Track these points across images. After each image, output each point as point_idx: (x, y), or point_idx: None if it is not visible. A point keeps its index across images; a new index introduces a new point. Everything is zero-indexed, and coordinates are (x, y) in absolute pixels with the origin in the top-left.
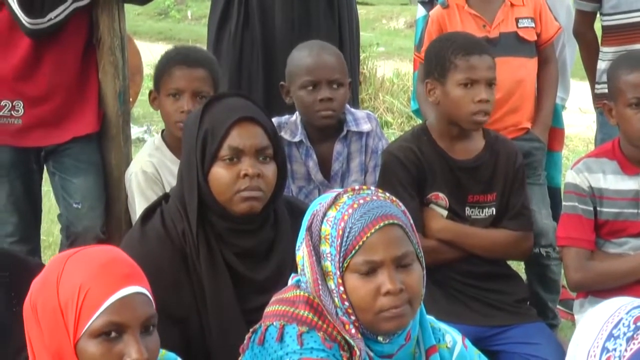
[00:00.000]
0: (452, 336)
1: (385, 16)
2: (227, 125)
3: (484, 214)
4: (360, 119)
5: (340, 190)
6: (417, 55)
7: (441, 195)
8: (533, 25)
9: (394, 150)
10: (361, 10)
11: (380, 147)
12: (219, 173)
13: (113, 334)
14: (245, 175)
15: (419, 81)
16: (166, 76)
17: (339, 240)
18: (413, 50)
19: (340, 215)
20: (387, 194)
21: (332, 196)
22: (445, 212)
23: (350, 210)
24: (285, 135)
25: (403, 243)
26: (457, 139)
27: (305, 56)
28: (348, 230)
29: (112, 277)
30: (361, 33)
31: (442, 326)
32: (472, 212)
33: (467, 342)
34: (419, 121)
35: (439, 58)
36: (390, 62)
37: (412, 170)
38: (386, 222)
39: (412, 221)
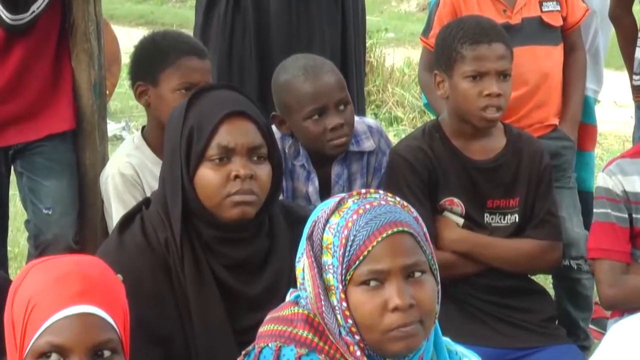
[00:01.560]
0: None
1: None
2: (216, 122)
3: (505, 222)
4: (362, 135)
5: (344, 194)
6: (424, 40)
7: (456, 200)
8: (558, 8)
9: (402, 150)
10: None
11: (385, 162)
12: (207, 175)
13: (54, 357)
14: (236, 177)
15: (423, 70)
16: (171, 68)
17: (342, 249)
18: None
19: (343, 222)
20: (398, 199)
21: (335, 201)
22: (461, 220)
23: (354, 217)
24: (289, 152)
25: (413, 252)
26: (473, 137)
27: (302, 82)
28: (352, 238)
29: (62, 293)
30: (367, 17)
31: (459, 349)
32: (492, 219)
33: None
34: (433, 116)
35: (445, 48)
36: (400, 50)
37: (422, 173)
38: (395, 229)
39: (425, 229)
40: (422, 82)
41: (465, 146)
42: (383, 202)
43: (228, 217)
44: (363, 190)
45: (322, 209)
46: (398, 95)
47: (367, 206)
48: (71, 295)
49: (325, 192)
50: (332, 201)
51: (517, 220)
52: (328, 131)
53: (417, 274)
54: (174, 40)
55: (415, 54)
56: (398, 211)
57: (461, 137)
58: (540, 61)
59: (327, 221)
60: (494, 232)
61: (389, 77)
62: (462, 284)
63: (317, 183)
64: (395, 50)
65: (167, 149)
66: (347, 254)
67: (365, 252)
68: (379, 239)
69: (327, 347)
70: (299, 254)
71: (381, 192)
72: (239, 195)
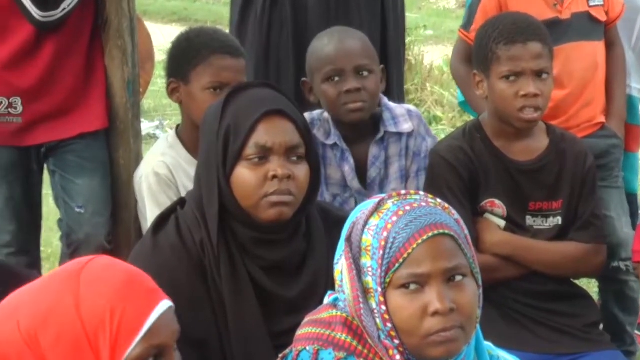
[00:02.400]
0: None
1: None
2: (253, 120)
3: (548, 224)
4: (400, 117)
5: (383, 195)
6: (464, 34)
7: (497, 202)
8: (602, 2)
9: (442, 151)
10: None
11: (425, 147)
12: (244, 175)
13: (152, 359)
14: (274, 177)
15: (459, 62)
16: (202, 66)
17: (381, 252)
18: None
19: (383, 223)
20: (438, 200)
21: (374, 202)
22: (502, 223)
23: (394, 218)
24: (318, 134)
25: (454, 255)
26: (515, 137)
27: (325, 44)
28: (391, 240)
29: (142, 294)
30: (406, 14)
31: (501, 354)
32: (534, 221)
33: None
34: (471, 116)
35: (481, 48)
36: (439, 48)
37: (463, 174)
38: (435, 232)
39: (467, 231)
40: (457, 75)
41: (506, 147)
42: (423, 204)
43: (265, 218)
44: (403, 192)
45: (361, 210)
46: (437, 94)
47: (407, 207)
48: (150, 294)
49: (361, 174)
50: (371, 202)
51: (560, 222)
52: (343, 94)
53: (458, 278)
54: (207, 38)
55: None
56: (439, 213)
57: (502, 137)
58: (589, 57)
59: (366, 223)
60: (536, 235)
61: (427, 76)
62: (503, 288)
63: (352, 161)
64: (434, 48)
65: (203, 148)
66: (386, 257)
67: (405, 255)
68: (419, 241)
69: (365, 351)
70: (337, 256)
71: (422, 193)
72: (277, 196)
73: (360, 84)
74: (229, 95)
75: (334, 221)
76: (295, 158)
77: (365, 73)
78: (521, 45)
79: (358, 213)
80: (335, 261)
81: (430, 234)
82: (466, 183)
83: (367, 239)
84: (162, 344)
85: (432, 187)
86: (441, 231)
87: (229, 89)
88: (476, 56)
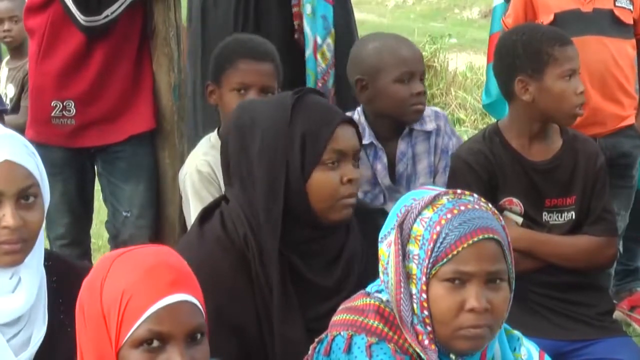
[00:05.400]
0: (528, 349)
1: (458, 5)
2: (333, 127)
3: (563, 219)
4: (426, 117)
5: (439, 189)
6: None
7: (515, 200)
8: (631, 7)
9: (463, 154)
10: None
11: (451, 146)
12: (324, 178)
13: (155, 344)
14: (349, 180)
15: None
16: (230, 69)
17: (432, 244)
18: (488, 42)
19: (437, 217)
20: (490, 205)
21: (430, 195)
22: (520, 219)
23: (449, 215)
24: None
25: (498, 260)
26: (535, 138)
27: (397, 47)
28: (443, 236)
29: (157, 283)
30: (432, 23)
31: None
32: (550, 217)
33: (547, 359)
34: (493, 118)
35: (533, 52)
36: (463, 55)
37: (483, 175)
38: (485, 235)
39: (509, 239)
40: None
41: (523, 148)
42: (477, 207)
43: (336, 219)
44: (459, 191)
45: (412, 197)
46: (460, 98)
47: (462, 207)
48: (165, 285)
49: (391, 170)
50: (425, 192)
51: (573, 217)
52: (413, 96)
53: (497, 281)
54: (237, 44)
55: (477, 58)
56: (489, 217)
57: (520, 139)
58: (606, 52)
59: (419, 213)
60: (552, 229)
61: (452, 81)
62: (521, 280)
63: (385, 160)
64: (458, 56)
65: (266, 153)
66: (435, 250)
67: (455, 252)
68: (470, 242)
69: (396, 337)
70: (384, 241)
71: (475, 195)
72: (351, 199)
73: (423, 88)
74: (294, 104)
75: (366, 213)
76: (355, 161)
77: (422, 79)
78: (571, 46)
79: (409, 201)
80: (381, 240)
81: (480, 237)
82: (485, 183)
83: (419, 228)
84: (167, 332)
85: (454, 187)
86: (490, 235)
87: (289, 97)
88: (523, 61)
